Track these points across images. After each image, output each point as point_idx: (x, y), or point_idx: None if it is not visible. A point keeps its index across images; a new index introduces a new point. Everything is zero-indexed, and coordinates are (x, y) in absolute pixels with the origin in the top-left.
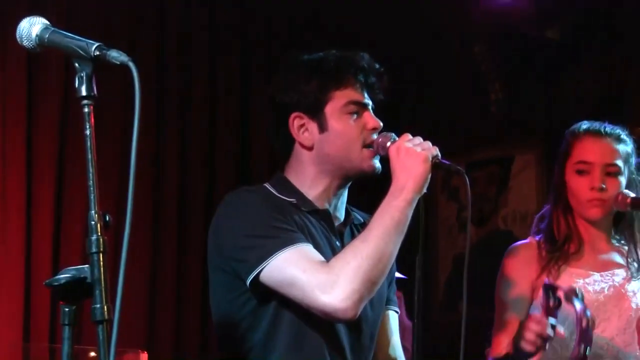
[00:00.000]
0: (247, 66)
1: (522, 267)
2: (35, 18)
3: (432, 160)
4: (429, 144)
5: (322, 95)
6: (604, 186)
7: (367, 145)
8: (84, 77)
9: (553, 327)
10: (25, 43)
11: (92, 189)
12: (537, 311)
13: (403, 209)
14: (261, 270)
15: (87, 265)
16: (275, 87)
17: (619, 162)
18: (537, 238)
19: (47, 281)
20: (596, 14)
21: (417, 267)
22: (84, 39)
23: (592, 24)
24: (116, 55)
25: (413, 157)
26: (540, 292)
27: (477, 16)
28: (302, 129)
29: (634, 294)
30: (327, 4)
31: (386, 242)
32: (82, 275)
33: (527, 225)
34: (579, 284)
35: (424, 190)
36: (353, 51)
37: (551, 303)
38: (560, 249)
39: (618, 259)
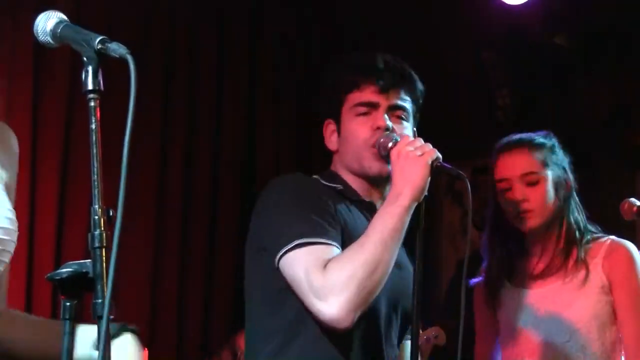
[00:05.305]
0: (255, 67)
1: (478, 306)
2: (52, 12)
3: (432, 164)
4: (429, 146)
5: (338, 100)
6: (524, 198)
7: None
8: (90, 71)
9: None
10: (41, 37)
11: (96, 183)
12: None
13: (399, 216)
14: (283, 255)
15: (89, 260)
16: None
17: (537, 169)
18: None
19: (48, 275)
20: (607, 21)
21: (416, 272)
22: (89, 32)
23: (603, 32)
24: (115, 48)
25: (412, 162)
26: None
27: (486, 21)
28: (332, 134)
29: (571, 302)
30: (340, 4)
31: (382, 251)
32: (84, 270)
33: None
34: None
35: (425, 194)
36: (372, 53)
37: None
38: (497, 277)
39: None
